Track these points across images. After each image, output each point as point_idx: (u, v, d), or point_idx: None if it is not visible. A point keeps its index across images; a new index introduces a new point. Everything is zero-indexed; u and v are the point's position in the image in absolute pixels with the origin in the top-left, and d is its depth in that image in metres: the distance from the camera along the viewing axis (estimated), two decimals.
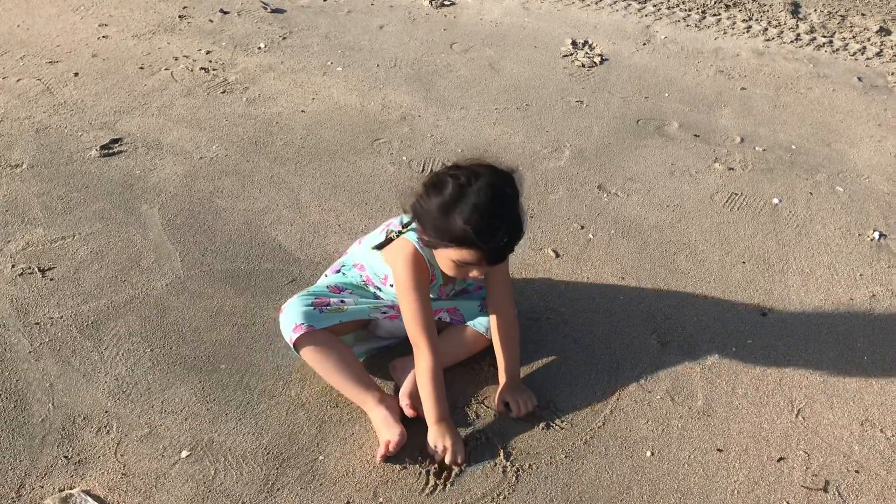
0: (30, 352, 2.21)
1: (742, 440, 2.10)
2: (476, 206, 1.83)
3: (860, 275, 2.69)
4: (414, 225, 2.02)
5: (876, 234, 2.87)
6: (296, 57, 3.81)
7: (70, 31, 3.91)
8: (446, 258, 1.94)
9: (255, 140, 3.17)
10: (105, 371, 2.17)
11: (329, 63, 3.77)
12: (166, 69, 3.62)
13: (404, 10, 4.31)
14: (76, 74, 3.53)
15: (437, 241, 1.90)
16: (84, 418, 2.04)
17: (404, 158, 3.12)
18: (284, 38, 3.96)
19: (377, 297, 2.25)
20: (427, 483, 1.94)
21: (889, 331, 2.47)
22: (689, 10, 4.56)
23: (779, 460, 2.05)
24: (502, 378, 2.16)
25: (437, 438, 2.00)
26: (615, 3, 4.59)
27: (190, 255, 2.58)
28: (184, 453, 1.98)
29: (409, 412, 2.06)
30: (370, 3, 4.37)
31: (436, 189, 1.88)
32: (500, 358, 2.17)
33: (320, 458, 1.99)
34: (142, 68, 3.62)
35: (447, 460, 1.97)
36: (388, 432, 2.00)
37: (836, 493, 1.98)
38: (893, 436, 2.14)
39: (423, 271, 2.04)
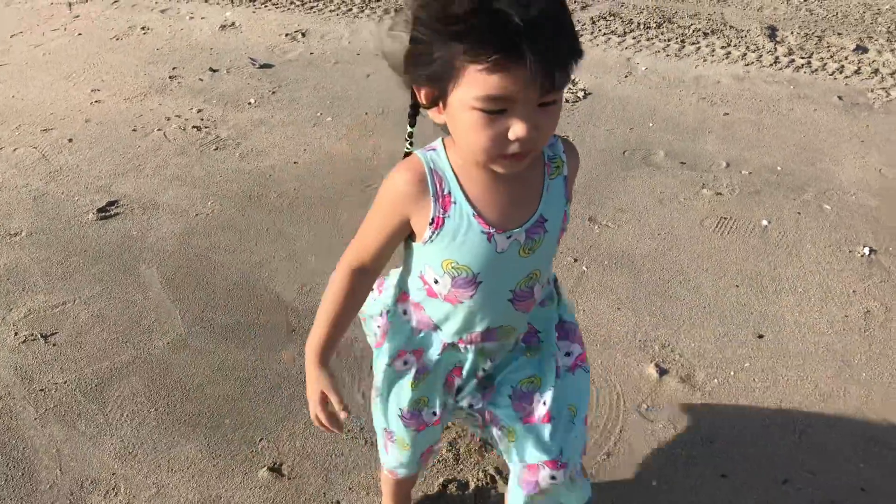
0: (35, 418, 2.23)
1: (746, 465, 2.10)
2: None
3: (853, 291, 2.72)
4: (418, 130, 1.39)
5: (866, 250, 2.90)
6: (286, 110, 3.87)
7: (63, 98, 3.98)
8: (461, 109, 1.16)
9: (249, 194, 3.22)
10: (111, 433, 2.19)
11: (319, 114, 3.84)
12: (159, 130, 3.69)
13: None
14: (70, 140, 3.60)
15: (433, 61, 1.15)
16: (92, 482, 2.06)
17: None
18: (274, 93, 4.04)
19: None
20: None
21: (886, 346, 2.49)
22: (669, 41, 4.65)
23: (784, 483, 2.06)
24: None
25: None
26: (595, 37, 4.67)
27: (190, 312, 2.61)
28: None
29: None
30: (356, 53, 4.46)
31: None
32: None
33: None
34: (135, 130, 3.68)
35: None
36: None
37: None
38: None
39: (415, 176, 1.30)
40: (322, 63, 4.36)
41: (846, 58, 4.42)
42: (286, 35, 4.66)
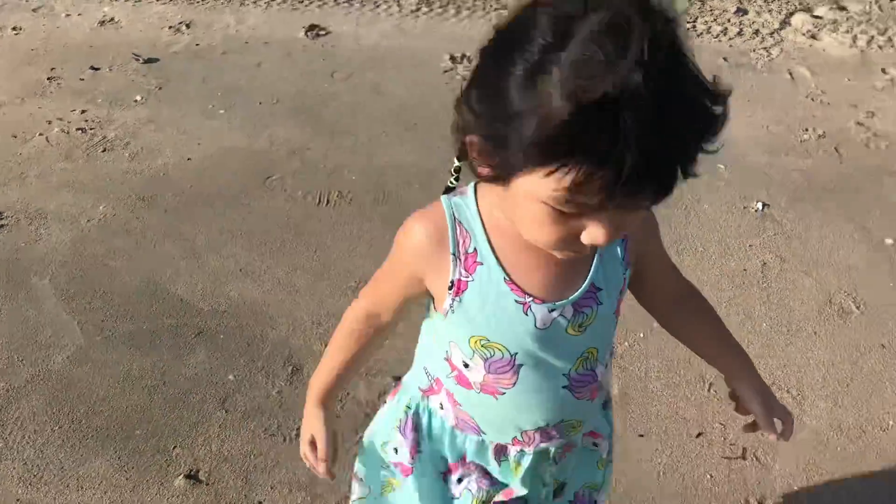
0: None
1: (661, 422, 2.16)
2: (587, 49, 0.78)
3: (749, 246, 2.82)
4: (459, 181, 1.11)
5: (759, 205, 3.01)
6: (175, 105, 3.73)
7: None
8: (527, 199, 0.89)
9: (142, 195, 3.09)
10: (12, 457, 2.08)
11: (210, 107, 3.72)
12: (41, 134, 3.50)
13: (280, 44, 4.29)
14: None
15: (501, 161, 0.88)
16: None
17: (299, 193, 3.10)
18: (161, 88, 3.88)
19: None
20: None
21: (782, 295, 2.60)
22: None
23: (698, 436, 2.12)
24: (742, 380, 1.28)
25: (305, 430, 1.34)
26: (487, 13, 4.68)
27: (89, 322, 2.49)
28: None
29: None
30: (244, 42, 4.33)
31: (506, 45, 0.86)
32: (722, 356, 1.32)
33: None
34: (14, 137, 3.48)
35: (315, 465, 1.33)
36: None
37: (754, 459, 2.06)
38: (799, 394, 2.25)
39: (432, 228, 1.06)
40: (209, 54, 4.22)
41: (728, 20, 4.57)
42: (169, 27, 4.48)
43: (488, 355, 1.09)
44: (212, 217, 2.96)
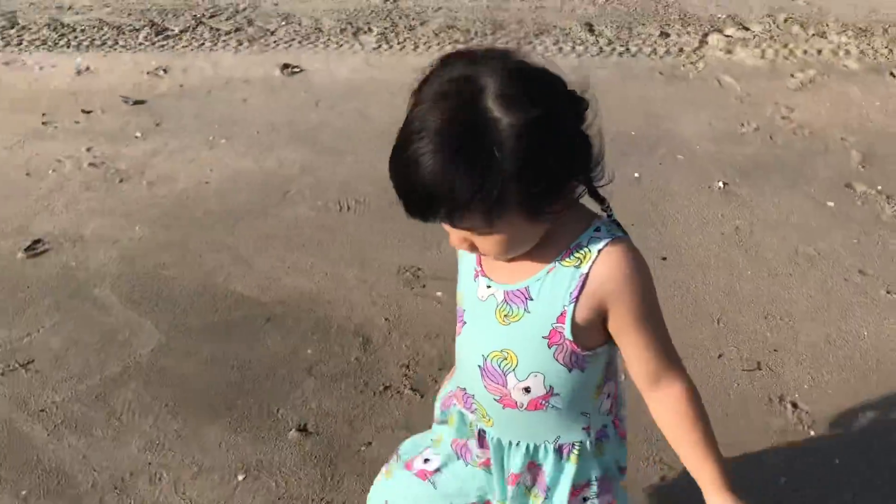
0: (49, 434, 2.29)
1: (684, 349, 2.58)
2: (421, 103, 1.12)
3: (721, 215, 3.31)
4: None
5: (720, 184, 3.52)
6: (177, 138, 3.99)
7: None
8: None
9: (174, 215, 3.34)
10: (131, 433, 2.30)
11: (211, 138, 3.99)
12: (54, 171, 3.69)
13: (260, 82, 4.60)
14: None
15: None
16: (131, 474, 2.17)
17: (319, 203, 3.41)
18: (158, 125, 4.13)
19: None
20: None
21: (759, 248, 3.08)
22: (507, 42, 5.20)
23: (719, 357, 2.55)
24: (707, 489, 1.27)
25: None
26: (441, 47, 5.13)
27: (162, 321, 2.73)
28: (240, 476, 2.16)
29: None
30: (225, 81, 4.62)
31: None
32: (687, 456, 1.28)
33: (362, 448, 2.24)
34: (29, 175, 3.66)
35: None
36: None
37: (767, 368, 2.50)
38: (791, 321, 2.71)
39: None
40: (195, 94, 4.49)
41: (655, 42, 5.17)
42: (147, 73, 4.73)
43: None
44: (246, 228, 3.24)
